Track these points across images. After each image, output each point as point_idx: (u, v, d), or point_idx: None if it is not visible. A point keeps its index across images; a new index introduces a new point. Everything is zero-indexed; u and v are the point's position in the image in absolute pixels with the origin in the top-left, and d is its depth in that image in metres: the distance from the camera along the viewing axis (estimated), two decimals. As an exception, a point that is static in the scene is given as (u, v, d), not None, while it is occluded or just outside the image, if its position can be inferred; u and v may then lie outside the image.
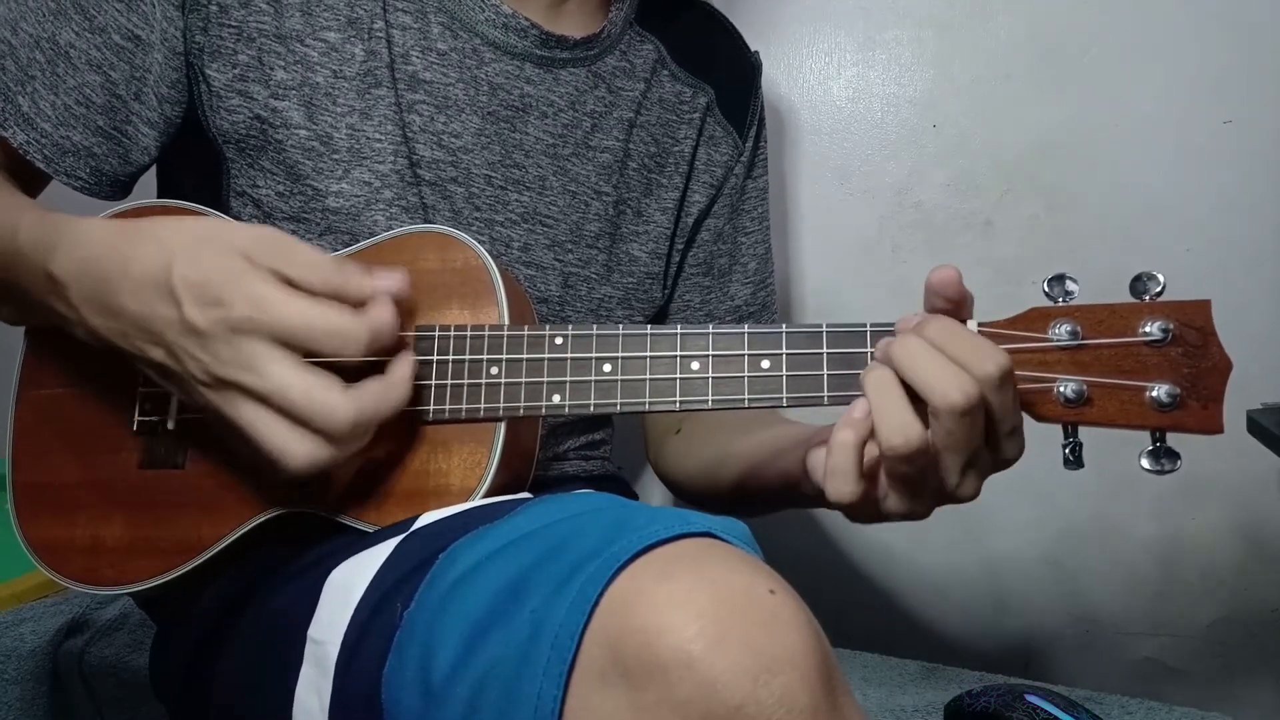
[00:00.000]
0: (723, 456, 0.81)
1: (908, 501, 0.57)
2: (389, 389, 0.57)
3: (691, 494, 0.89)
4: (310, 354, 0.54)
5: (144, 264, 0.55)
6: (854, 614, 1.21)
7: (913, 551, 1.18)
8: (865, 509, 0.58)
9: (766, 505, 0.79)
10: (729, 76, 0.89)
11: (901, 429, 0.53)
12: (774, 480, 0.72)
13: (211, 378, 0.54)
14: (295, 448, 0.53)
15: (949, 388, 0.52)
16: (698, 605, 0.41)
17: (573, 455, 0.84)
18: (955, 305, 0.57)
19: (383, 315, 0.56)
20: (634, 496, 0.89)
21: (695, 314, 0.91)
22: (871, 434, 0.55)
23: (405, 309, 0.60)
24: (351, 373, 0.56)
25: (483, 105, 0.74)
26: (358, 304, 0.56)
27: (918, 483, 0.56)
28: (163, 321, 0.54)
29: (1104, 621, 1.14)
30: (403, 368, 0.58)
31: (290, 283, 0.54)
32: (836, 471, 0.56)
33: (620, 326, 0.62)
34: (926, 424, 0.54)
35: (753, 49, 0.92)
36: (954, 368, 0.53)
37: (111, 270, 0.56)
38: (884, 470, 0.56)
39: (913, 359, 0.54)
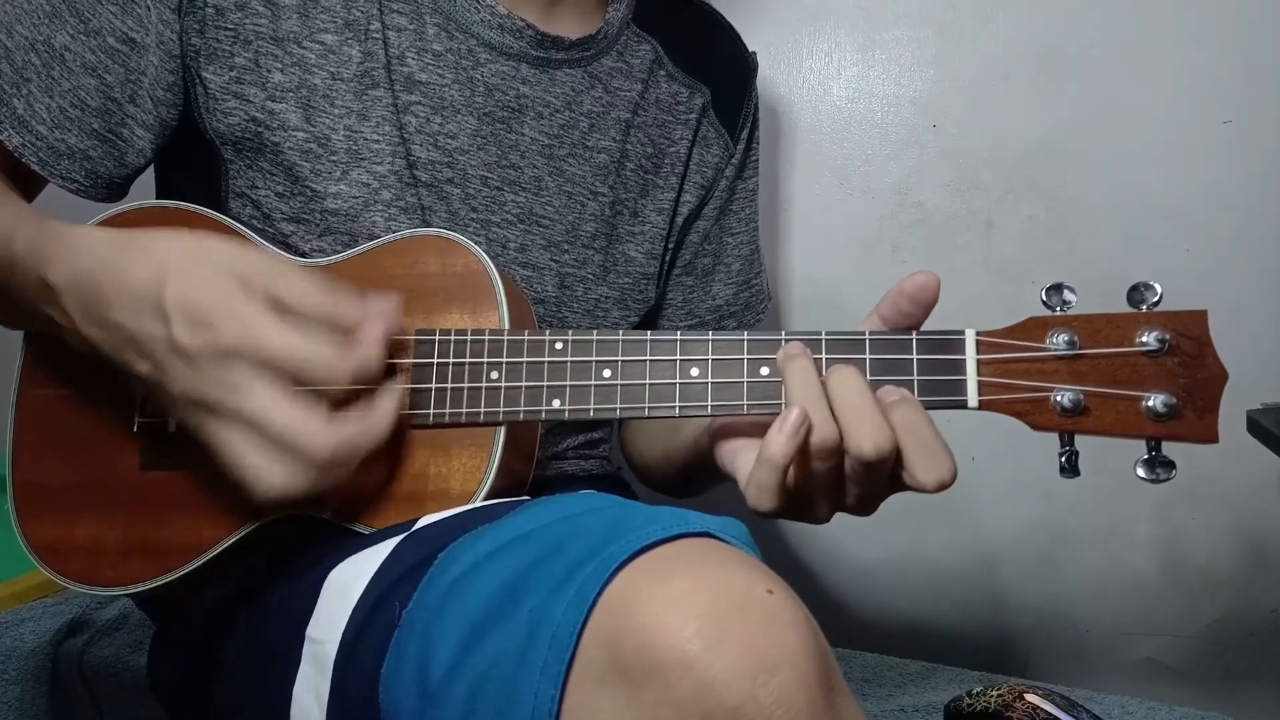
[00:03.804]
0: (667, 449, 0.82)
1: (826, 507, 0.58)
2: (373, 422, 0.56)
3: (651, 478, 0.90)
4: (296, 382, 0.54)
5: (137, 279, 0.55)
6: (854, 614, 1.21)
7: (913, 552, 1.18)
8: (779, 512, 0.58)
9: (696, 483, 0.81)
10: (726, 77, 0.88)
11: (874, 435, 0.53)
12: (691, 456, 0.73)
13: (195, 398, 0.54)
14: (272, 473, 0.53)
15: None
16: (696, 605, 0.41)
17: (572, 454, 0.84)
18: (924, 312, 0.58)
19: (370, 348, 0.56)
20: (633, 496, 0.89)
21: (677, 312, 0.91)
22: (801, 449, 0.54)
23: (400, 324, 0.60)
24: (340, 394, 0.56)
25: (479, 106, 0.74)
26: (349, 330, 0.56)
27: (840, 489, 0.57)
28: (151, 338, 0.54)
29: (1104, 621, 1.14)
30: (388, 402, 0.58)
31: (282, 307, 0.55)
32: (762, 487, 0.56)
33: (620, 332, 0.62)
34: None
35: (752, 49, 0.92)
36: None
37: (105, 283, 0.56)
38: (807, 475, 0.56)
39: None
